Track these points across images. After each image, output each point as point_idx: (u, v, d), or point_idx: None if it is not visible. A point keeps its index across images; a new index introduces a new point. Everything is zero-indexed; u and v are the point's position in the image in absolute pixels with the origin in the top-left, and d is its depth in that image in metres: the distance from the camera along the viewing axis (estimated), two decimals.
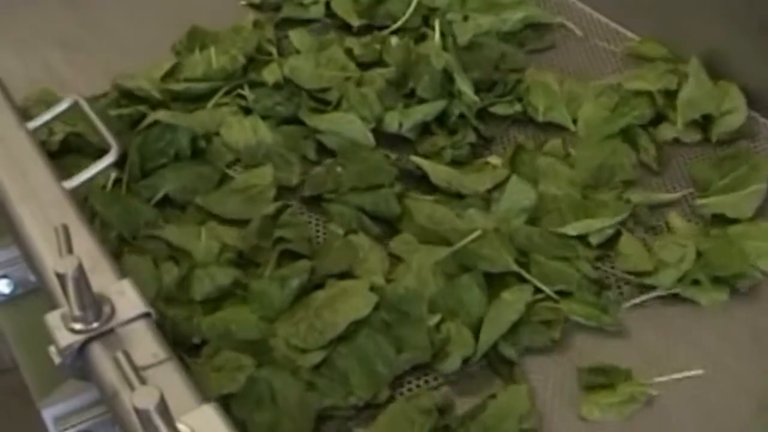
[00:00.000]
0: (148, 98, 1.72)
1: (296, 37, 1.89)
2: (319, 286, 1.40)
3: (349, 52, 1.81)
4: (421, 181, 1.57)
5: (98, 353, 0.95)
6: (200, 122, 1.68)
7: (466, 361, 1.32)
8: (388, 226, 1.51)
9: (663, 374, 1.32)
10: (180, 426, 0.82)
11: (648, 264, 1.40)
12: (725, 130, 1.64)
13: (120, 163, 1.48)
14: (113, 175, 1.56)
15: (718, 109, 1.64)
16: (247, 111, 1.73)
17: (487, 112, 1.71)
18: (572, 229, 1.45)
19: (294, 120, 1.70)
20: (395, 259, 1.45)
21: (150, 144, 1.62)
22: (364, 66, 1.80)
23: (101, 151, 1.38)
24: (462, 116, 1.67)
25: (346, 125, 1.65)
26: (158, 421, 0.79)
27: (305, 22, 1.97)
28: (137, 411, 0.79)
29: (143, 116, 1.66)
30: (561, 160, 1.58)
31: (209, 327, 1.35)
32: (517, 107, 1.72)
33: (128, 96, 1.73)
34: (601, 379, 1.30)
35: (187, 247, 1.44)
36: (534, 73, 1.77)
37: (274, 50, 1.85)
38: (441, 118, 1.68)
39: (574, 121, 1.68)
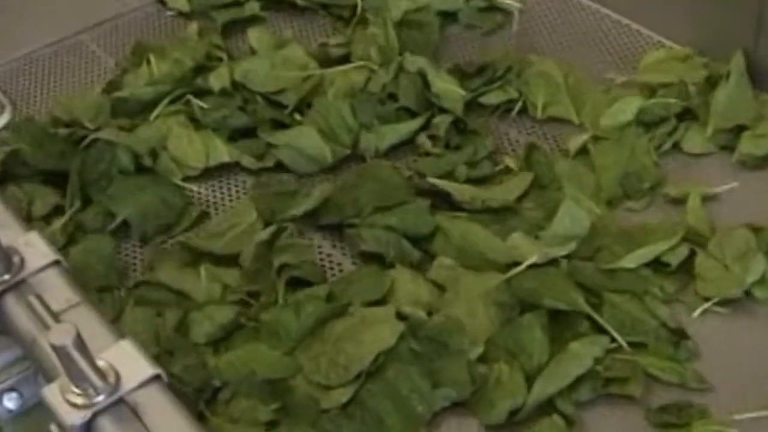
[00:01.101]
0: (88, 115, 1.57)
1: (255, 35, 1.75)
2: (336, 315, 1.27)
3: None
4: (438, 195, 1.42)
5: (12, 304, 0.94)
6: (143, 138, 1.53)
7: (513, 412, 1.17)
8: (420, 246, 1.37)
9: (744, 411, 1.17)
10: (99, 362, 0.83)
11: (732, 284, 1.27)
12: (753, 153, 1.46)
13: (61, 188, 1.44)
14: (53, 201, 1.47)
15: (754, 123, 1.48)
16: (198, 122, 1.59)
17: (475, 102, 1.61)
18: (629, 261, 1.30)
19: (249, 131, 1.57)
20: (435, 286, 1.31)
21: (90, 166, 1.46)
22: (328, 62, 1.67)
23: None
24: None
25: (305, 140, 1.52)
26: (76, 356, 0.79)
27: (251, 21, 1.84)
28: (55, 348, 0.79)
29: (84, 137, 1.53)
30: (582, 163, 1.46)
31: (227, 367, 1.20)
32: (512, 93, 1.60)
33: (68, 115, 1.59)
34: (673, 419, 1.14)
35: (187, 290, 1.32)
36: (535, 62, 1.66)
37: (224, 56, 1.73)
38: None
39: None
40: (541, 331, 1.20)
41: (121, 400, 0.83)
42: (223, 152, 1.52)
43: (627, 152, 1.45)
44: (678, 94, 1.50)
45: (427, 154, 1.51)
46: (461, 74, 1.62)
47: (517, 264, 1.28)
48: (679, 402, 1.16)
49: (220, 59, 1.70)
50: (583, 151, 1.48)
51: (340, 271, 1.37)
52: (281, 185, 1.46)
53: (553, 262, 1.29)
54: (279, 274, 1.31)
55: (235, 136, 1.55)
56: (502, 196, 1.39)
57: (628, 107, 1.51)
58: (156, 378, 0.85)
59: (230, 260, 1.36)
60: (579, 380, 1.16)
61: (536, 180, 1.42)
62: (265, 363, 1.19)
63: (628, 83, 1.58)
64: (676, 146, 1.49)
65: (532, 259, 1.26)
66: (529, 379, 1.16)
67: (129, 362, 0.85)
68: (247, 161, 1.51)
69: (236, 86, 1.61)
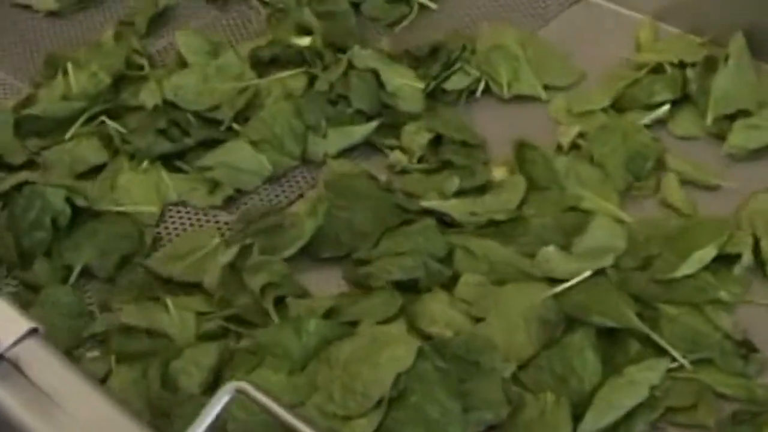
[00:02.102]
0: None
1: (183, 40, 1.56)
2: (343, 334, 1.16)
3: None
4: (430, 212, 1.30)
5: None
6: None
7: None
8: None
9: None
10: None
11: None
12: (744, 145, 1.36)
13: None
14: None
15: (759, 108, 1.39)
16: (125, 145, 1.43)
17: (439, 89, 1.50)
18: (689, 267, 1.18)
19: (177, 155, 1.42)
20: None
21: (18, 217, 1.28)
22: (263, 67, 1.54)
23: None
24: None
25: (237, 155, 1.40)
26: None
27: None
28: None
29: None
30: (576, 156, 1.36)
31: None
32: (474, 73, 1.50)
33: None
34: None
35: (160, 328, 1.18)
36: (488, 35, 1.55)
37: (145, 63, 1.57)
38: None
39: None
40: (593, 352, 1.08)
41: (0, 357, 0.85)
42: (171, 191, 1.37)
43: (620, 135, 1.36)
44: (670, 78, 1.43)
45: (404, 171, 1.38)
46: (415, 60, 1.52)
47: (553, 280, 1.17)
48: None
49: (141, 67, 1.55)
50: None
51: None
52: (260, 216, 1.31)
53: (600, 273, 1.18)
54: (263, 294, 1.19)
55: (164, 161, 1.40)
56: (503, 207, 1.28)
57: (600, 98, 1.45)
58: (33, 332, 0.88)
59: (194, 287, 1.23)
60: (635, 409, 1.05)
61: (532, 182, 1.31)
62: (273, 390, 1.05)
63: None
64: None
65: (585, 274, 1.15)
66: (578, 408, 1.05)
67: (4, 319, 0.88)
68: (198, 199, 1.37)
69: (165, 103, 1.46)
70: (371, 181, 1.34)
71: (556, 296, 1.15)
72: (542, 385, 1.08)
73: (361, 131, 1.42)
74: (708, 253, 1.18)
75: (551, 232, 1.24)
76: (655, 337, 1.11)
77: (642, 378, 1.06)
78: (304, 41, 1.54)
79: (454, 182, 1.30)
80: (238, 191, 1.37)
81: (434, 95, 1.48)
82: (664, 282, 1.17)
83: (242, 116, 1.44)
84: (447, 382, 1.06)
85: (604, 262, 1.18)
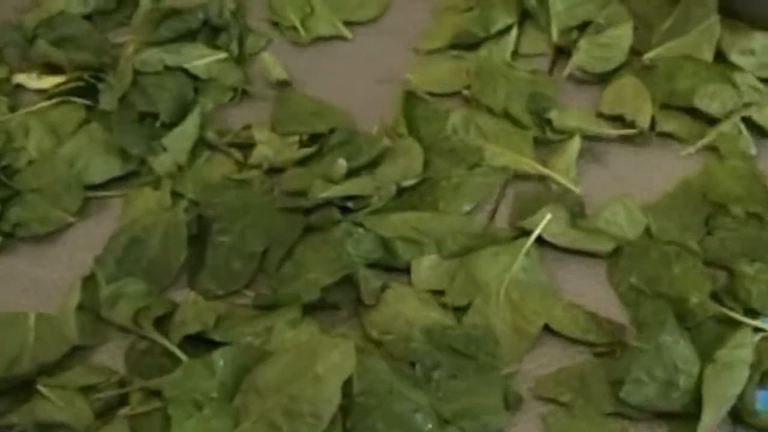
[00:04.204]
0: None
1: None
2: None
3: None
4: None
5: None
6: None
7: None
8: None
9: None
10: None
11: None
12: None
13: None
14: None
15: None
16: None
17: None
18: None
19: None
20: None
21: None
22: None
23: None
24: None
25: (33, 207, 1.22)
26: None
27: None
28: None
29: None
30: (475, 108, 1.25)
31: None
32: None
33: None
34: None
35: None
36: None
37: None
38: None
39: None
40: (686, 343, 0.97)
41: None
42: None
43: (503, 77, 1.26)
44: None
45: None
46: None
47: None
48: None
49: None
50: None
51: None
52: None
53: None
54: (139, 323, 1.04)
55: None
56: (406, 174, 1.15)
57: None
58: None
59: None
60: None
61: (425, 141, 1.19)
62: None
63: None
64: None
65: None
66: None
67: None
68: None
69: None
70: (245, 188, 1.18)
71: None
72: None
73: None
74: None
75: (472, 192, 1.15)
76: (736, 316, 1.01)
77: (736, 358, 0.96)
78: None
79: (342, 165, 1.14)
80: None
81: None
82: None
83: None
84: (432, 384, 0.96)
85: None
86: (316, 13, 1.42)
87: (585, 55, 1.29)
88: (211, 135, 1.25)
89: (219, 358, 0.98)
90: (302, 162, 1.20)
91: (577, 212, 1.12)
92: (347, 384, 0.94)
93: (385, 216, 1.12)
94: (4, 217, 1.18)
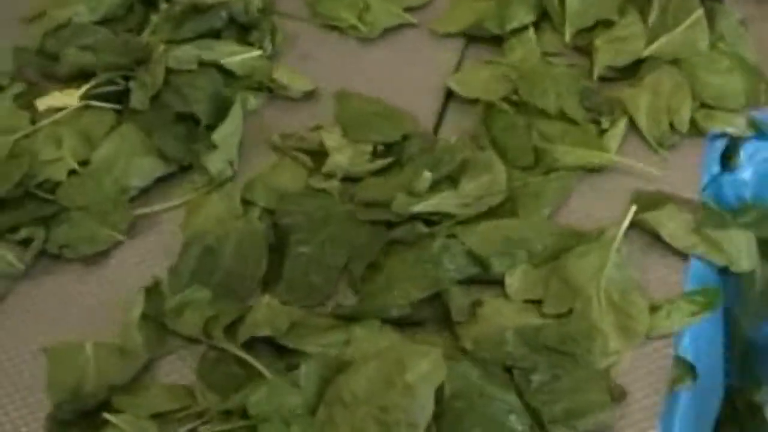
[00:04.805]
0: None
1: None
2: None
3: None
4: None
5: None
6: None
7: None
8: None
9: None
10: None
11: None
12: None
13: None
14: None
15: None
16: None
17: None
18: None
19: None
20: None
21: None
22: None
23: None
24: None
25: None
26: None
27: None
28: None
29: None
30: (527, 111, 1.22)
31: None
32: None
33: None
34: None
35: None
36: None
37: None
38: None
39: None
40: None
41: None
42: None
43: (551, 80, 1.24)
44: None
45: None
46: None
47: None
48: None
49: None
50: None
51: None
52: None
53: None
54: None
55: None
56: (492, 189, 1.11)
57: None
58: None
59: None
60: None
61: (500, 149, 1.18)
62: None
63: None
64: None
65: None
66: None
67: None
68: None
69: None
70: (323, 197, 1.14)
71: None
72: None
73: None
74: None
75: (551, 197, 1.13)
76: None
77: None
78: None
79: (427, 178, 1.10)
80: None
81: None
82: None
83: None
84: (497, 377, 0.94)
85: None
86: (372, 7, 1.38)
87: (606, 52, 1.27)
88: (276, 138, 1.20)
89: (303, 372, 0.95)
90: (379, 171, 1.15)
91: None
92: (438, 389, 0.92)
93: (472, 227, 1.09)
94: (50, 238, 1.14)
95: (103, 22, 1.40)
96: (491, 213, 1.11)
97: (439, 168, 1.13)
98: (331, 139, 1.19)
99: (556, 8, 1.33)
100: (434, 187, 1.11)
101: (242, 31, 1.36)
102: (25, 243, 1.13)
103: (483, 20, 1.33)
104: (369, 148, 1.18)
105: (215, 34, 1.34)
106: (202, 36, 1.33)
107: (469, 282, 1.05)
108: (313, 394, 0.95)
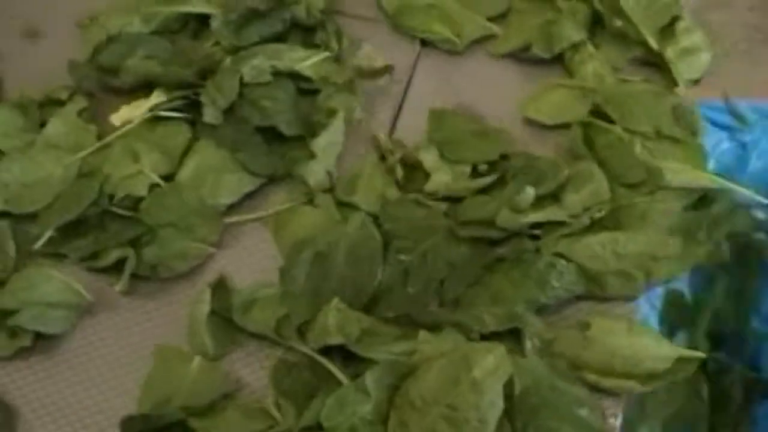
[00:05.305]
0: None
1: None
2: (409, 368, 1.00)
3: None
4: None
5: None
6: None
7: None
8: None
9: None
10: None
11: None
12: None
13: None
14: None
15: None
16: None
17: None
18: None
19: None
20: None
21: None
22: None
23: None
24: None
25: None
26: None
27: None
28: None
29: None
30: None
31: None
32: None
33: None
34: None
35: None
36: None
37: None
38: None
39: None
40: None
41: None
42: None
43: (634, 100, 1.22)
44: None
45: None
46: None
47: None
48: None
49: None
50: None
51: None
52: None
53: None
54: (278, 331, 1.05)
55: None
56: (597, 199, 1.10)
57: None
58: None
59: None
60: None
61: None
62: None
63: None
64: None
65: None
66: None
67: None
68: None
69: None
70: (427, 208, 1.14)
71: None
72: None
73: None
74: None
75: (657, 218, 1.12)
76: None
77: None
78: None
79: (529, 193, 1.10)
80: None
81: None
82: None
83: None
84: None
85: None
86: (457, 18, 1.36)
87: (682, 64, 1.26)
88: (383, 143, 1.21)
89: (371, 379, 0.98)
90: (481, 190, 1.15)
91: None
92: (508, 386, 0.94)
93: (577, 241, 1.09)
94: (141, 260, 1.12)
95: (154, 34, 1.37)
96: (596, 227, 1.10)
97: (542, 184, 1.11)
98: (429, 159, 1.18)
99: (613, 21, 1.30)
100: (536, 203, 1.10)
101: (305, 33, 1.33)
102: (116, 267, 1.12)
103: (532, 42, 1.30)
104: (468, 168, 1.17)
105: (278, 38, 1.32)
106: (264, 41, 1.31)
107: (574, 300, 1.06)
108: (382, 400, 0.97)
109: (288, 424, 0.98)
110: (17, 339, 1.08)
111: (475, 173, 1.18)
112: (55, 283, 1.11)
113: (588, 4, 1.32)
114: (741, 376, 1.17)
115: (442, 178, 1.17)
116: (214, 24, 1.34)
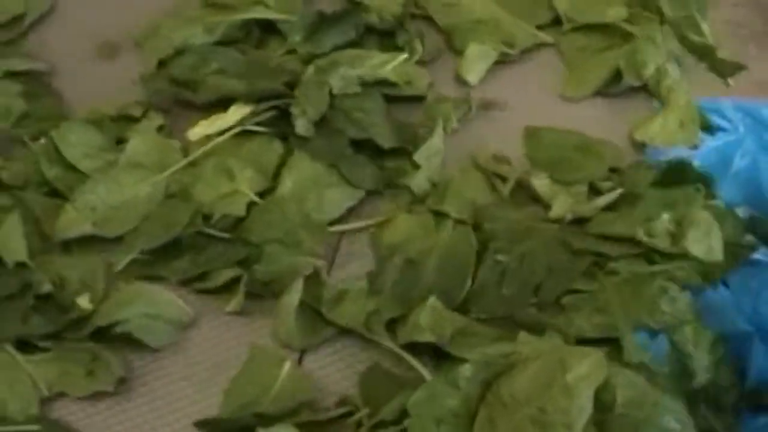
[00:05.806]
0: None
1: (64, 141, 1.24)
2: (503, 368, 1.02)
3: None
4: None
5: None
6: None
7: None
8: None
9: None
10: None
11: None
12: None
13: None
14: None
15: None
16: None
17: None
18: None
19: None
20: None
21: None
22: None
23: None
24: None
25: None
26: None
27: None
28: None
29: None
30: None
31: None
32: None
33: None
34: None
35: None
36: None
37: None
38: None
39: None
40: None
41: None
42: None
43: None
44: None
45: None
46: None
47: None
48: None
49: None
50: None
51: None
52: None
53: None
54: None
55: None
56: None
57: None
58: None
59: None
60: None
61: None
62: None
63: None
64: None
65: None
66: None
67: None
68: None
69: None
70: (528, 210, 1.18)
71: None
72: None
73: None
74: None
75: None
76: None
77: None
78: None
79: (664, 219, 1.12)
80: None
81: None
82: None
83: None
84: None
85: None
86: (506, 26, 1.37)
87: None
88: (484, 161, 1.23)
89: (464, 374, 0.99)
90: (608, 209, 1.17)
91: None
92: (608, 395, 0.97)
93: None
94: (251, 278, 1.12)
95: (219, 44, 1.37)
96: None
97: (674, 210, 1.13)
98: (541, 185, 1.20)
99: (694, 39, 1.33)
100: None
101: (380, 37, 1.35)
102: (227, 287, 1.12)
103: (615, 72, 1.32)
104: (584, 188, 1.18)
105: (353, 44, 1.33)
106: (338, 48, 1.32)
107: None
108: (472, 395, 0.99)
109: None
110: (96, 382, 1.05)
111: (592, 190, 1.18)
112: (160, 296, 1.11)
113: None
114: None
115: (564, 203, 1.17)
116: (287, 30, 1.33)
